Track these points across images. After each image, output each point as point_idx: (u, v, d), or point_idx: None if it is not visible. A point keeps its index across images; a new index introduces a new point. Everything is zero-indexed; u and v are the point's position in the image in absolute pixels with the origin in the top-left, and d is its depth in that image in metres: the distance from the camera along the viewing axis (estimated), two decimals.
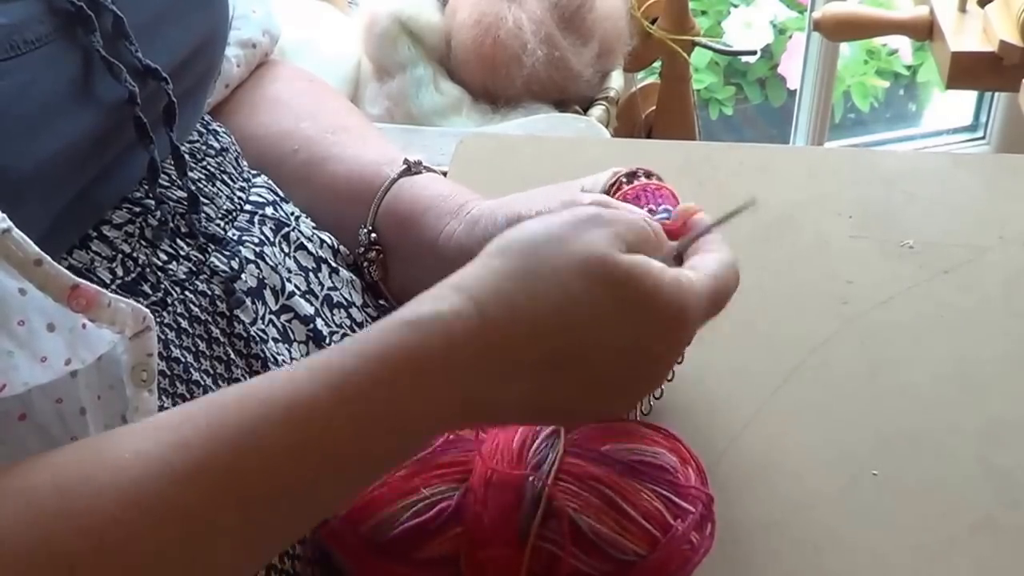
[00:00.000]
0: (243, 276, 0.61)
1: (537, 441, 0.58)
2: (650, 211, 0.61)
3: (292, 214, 0.68)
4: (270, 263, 0.63)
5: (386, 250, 0.69)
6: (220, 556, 0.46)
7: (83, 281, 0.48)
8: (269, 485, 0.46)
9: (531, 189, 0.66)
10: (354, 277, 0.69)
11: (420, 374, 0.47)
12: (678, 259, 0.56)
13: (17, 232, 0.45)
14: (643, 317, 0.50)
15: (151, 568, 0.44)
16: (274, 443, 0.46)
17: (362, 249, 0.69)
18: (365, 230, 0.69)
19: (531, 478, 0.56)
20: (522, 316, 0.49)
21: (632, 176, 0.65)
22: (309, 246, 0.67)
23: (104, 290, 0.49)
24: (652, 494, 0.56)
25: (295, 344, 0.63)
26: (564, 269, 0.49)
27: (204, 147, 0.65)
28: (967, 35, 1.54)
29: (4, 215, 0.45)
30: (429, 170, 0.71)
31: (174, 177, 0.60)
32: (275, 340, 0.61)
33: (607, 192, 0.64)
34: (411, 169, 0.70)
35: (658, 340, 0.51)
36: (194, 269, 0.59)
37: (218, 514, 0.45)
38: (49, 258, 0.46)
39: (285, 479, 0.46)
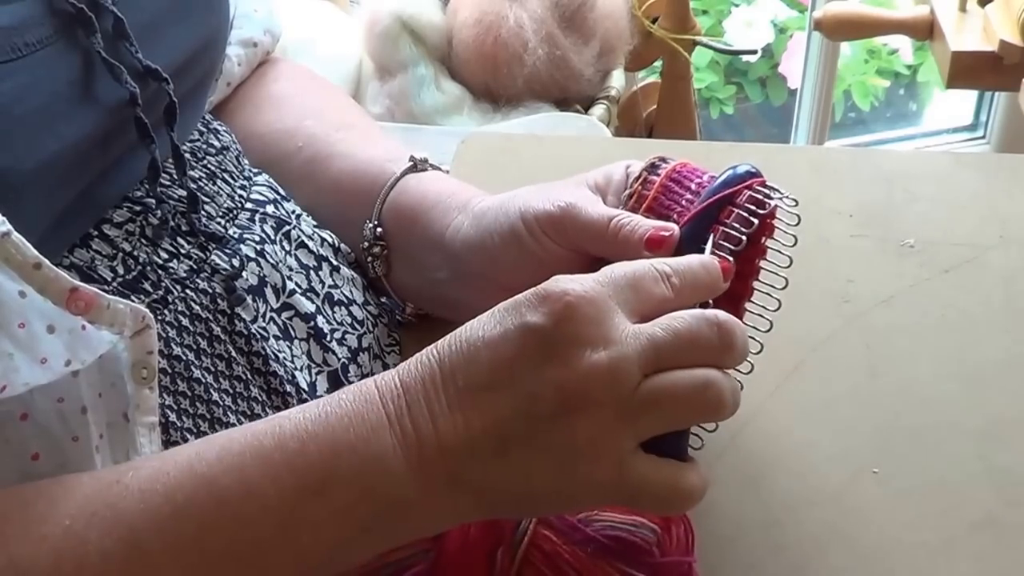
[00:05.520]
0: (244, 274, 0.61)
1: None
2: (708, 180, 0.59)
3: (293, 212, 0.68)
4: (271, 261, 0.63)
5: (390, 245, 0.69)
6: None
7: (82, 284, 0.48)
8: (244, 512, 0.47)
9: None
10: (355, 275, 0.69)
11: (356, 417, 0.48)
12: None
13: (17, 235, 0.45)
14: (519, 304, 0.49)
15: None
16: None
17: (366, 244, 0.69)
18: (370, 225, 0.69)
19: (499, 551, 0.54)
20: (438, 350, 0.49)
21: (654, 167, 0.61)
22: (310, 244, 0.67)
23: (103, 292, 0.49)
24: None
25: (296, 342, 0.63)
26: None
27: (205, 146, 0.65)
28: (967, 34, 1.55)
29: (4, 218, 0.45)
30: (435, 168, 0.71)
31: (175, 176, 0.60)
32: (276, 338, 0.61)
33: (631, 188, 0.61)
34: (417, 166, 0.70)
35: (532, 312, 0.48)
36: (195, 267, 0.59)
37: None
38: (48, 262, 0.47)
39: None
